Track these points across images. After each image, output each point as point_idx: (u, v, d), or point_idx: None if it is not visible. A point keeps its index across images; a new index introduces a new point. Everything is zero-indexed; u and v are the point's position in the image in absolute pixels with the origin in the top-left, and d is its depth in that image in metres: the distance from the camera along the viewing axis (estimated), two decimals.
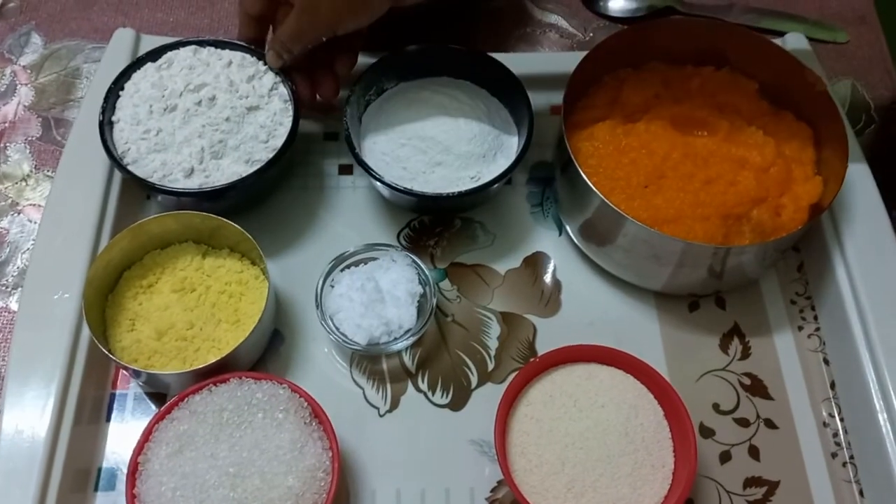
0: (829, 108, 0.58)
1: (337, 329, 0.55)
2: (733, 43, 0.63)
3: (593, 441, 0.51)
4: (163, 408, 0.50)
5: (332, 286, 0.57)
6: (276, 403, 0.50)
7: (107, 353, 0.51)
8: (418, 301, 0.57)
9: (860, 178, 0.62)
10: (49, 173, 0.66)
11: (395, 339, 0.55)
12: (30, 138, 0.68)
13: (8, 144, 0.67)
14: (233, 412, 0.50)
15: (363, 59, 0.64)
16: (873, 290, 0.57)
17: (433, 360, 0.58)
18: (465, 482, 0.53)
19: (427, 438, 0.55)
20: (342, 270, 0.58)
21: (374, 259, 0.58)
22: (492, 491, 0.53)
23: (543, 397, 0.53)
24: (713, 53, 0.63)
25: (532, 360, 0.53)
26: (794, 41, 0.70)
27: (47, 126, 0.69)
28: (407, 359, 0.58)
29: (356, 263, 0.58)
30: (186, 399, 0.50)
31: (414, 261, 0.58)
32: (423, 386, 0.57)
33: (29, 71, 0.72)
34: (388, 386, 0.57)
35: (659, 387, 0.53)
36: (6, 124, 0.68)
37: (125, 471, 0.49)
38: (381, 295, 0.56)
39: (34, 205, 0.64)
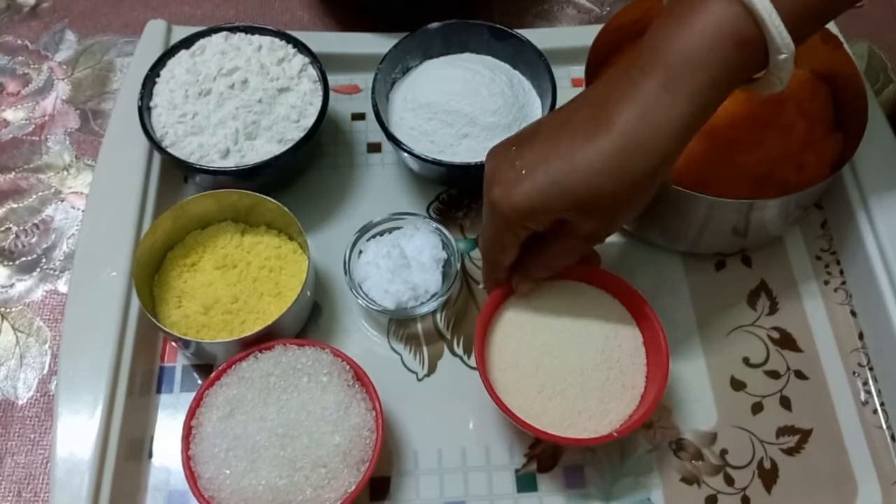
0: (847, 65, 0.59)
1: (366, 295, 0.57)
2: None
3: (570, 352, 0.53)
4: (212, 374, 0.52)
5: (360, 255, 0.59)
6: (319, 367, 0.52)
7: (159, 326, 0.53)
8: (443, 266, 0.58)
9: (880, 134, 0.62)
10: (89, 162, 0.68)
11: (422, 302, 0.57)
12: (69, 130, 0.70)
13: (48, 136, 0.70)
14: (279, 377, 0.52)
15: (387, 40, 0.66)
16: None
17: (467, 325, 0.60)
18: (504, 440, 0.55)
19: (465, 399, 0.56)
20: (368, 240, 0.60)
21: (398, 227, 0.60)
22: (530, 448, 0.55)
23: (529, 306, 0.55)
24: None
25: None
26: None
27: (85, 118, 0.71)
28: (441, 325, 0.60)
29: (381, 232, 0.60)
30: (234, 366, 0.53)
31: (437, 227, 0.59)
32: (459, 350, 0.59)
33: (65, 66, 0.74)
34: (425, 351, 0.59)
35: (644, 316, 0.54)
36: (46, 117, 0.71)
37: (177, 437, 0.51)
38: (407, 261, 0.58)
39: (76, 192, 0.67)
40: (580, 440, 0.50)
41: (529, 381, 0.52)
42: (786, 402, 0.57)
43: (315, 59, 0.64)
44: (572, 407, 0.52)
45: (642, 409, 0.51)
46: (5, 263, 0.63)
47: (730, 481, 0.54)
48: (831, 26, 0.68)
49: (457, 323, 0.60)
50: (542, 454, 0.54)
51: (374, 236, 0.60)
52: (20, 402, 0.57)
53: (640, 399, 0.53)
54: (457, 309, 0.60)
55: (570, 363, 0.53)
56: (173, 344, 0.58)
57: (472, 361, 0.58)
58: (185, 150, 0.60)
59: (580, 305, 0.55)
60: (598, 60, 0.63)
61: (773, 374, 0.58)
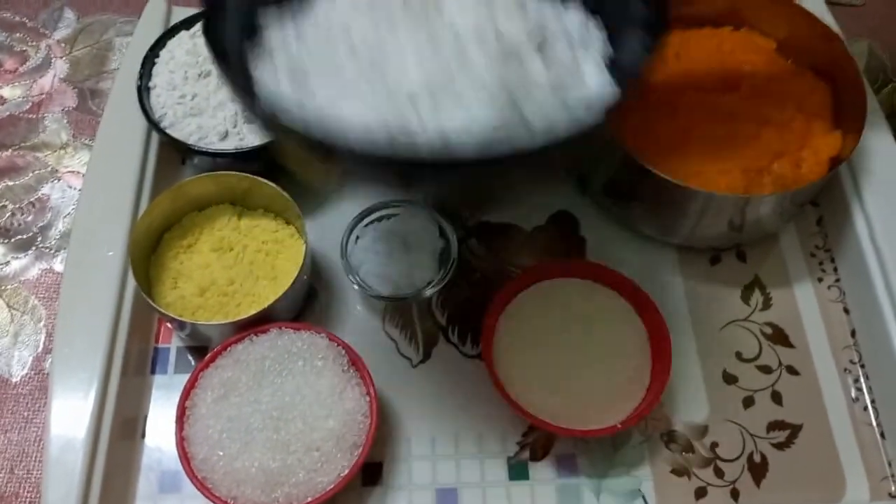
0: (846, 62, 0.60)
1: (362, 280, 0.57)
2: (750, 4, 0.64)
3: (576, 348, 0.55)
4: (207, 356, 0.52)
5: (357, 240, 0.59)
6: (315, 352, 0.52)
7: (155, 307, 0.53)
8: (439, 253, 0.59)
9: (878, 132, 0.63)
10: (86, 141, 0.68)
11: (418, 289, 0.57)
12: (66, 108, 0.70)
13: (45, 115, 0.70)
14: (274, 360, 0.52)
15: None
16: (893, 240, 0.58)
17: (462, 313, 0.60)
18: (496, 427, 0.55)
19: (459, 387, 0.57)
20: (366, 225, 0.60)
21: (396, 214, 0.60)
22: (523, 436, 0.55)
23: (536, 304, 0.57)
24: (731, 15, 0.65)
25: (533, 265, 0.58)
26: (811, 3, 0.71)
27: (83, 97, 0.71)
28: (437, 312, 0.60)
29: (379, 218, 0.60)
30: (229, 348, 0.53)
31: (435, 214, 0.59)
32: (454, 338, 0.59)
33: (63, 45, 0.74)
34: (420, 338, 0.59)
35: (648, 310, 0.56)
36: (43, 96, 0.71)
37: (170, 418, 0.51)
38: (404, 247, 0.58)
39: (73, 171, 0.67)
40: (584, 431, 0.51)
41: (537, 376, 0.53)
42: (777, 397, 0.57)
43: None
44: (578, 402, 0.53)
45: (646, 402, 0.52)
46: (1, 241, 0.63)
47: (720, 474, 0.54)
48: (832, 24, 0.68)
49: (452, 310, 0.60)
50: (535, 443, 0.55)
51: (371, 222, 0.60)
52: (14, 380, 0.57)
53: (645, 391, 0.53)
54: (453, 296, 0.60)
55: (578, 359, 0.54)
56: (168, 325, 0.58)
57: (467, 349, 0.58)
58: (184, 131, 0.59)
59: (586, 302, 0.56)
60: None
61: (765, 369, 0.58)
